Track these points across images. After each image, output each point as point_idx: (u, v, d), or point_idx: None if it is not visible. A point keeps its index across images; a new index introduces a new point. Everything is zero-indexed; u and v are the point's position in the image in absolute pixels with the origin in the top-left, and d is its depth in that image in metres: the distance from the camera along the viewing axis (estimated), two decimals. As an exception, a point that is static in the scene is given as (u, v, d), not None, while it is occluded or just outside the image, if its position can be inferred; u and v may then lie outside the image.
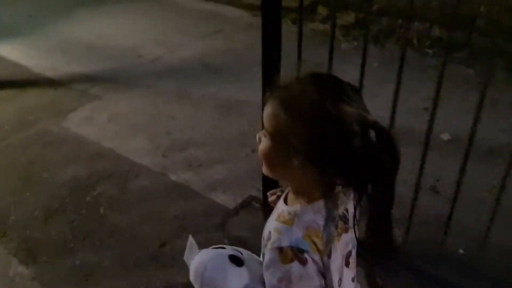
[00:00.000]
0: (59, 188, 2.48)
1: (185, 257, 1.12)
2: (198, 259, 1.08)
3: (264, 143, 0.92)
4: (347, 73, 1.08)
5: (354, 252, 1.00)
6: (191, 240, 1.13)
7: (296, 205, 0.92)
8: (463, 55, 3.91)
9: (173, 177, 2.55)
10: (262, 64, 1.88)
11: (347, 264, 0.99)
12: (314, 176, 0.87)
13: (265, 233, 0.95)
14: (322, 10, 4.61)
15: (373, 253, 1.03)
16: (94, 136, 2.93)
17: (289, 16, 4.82)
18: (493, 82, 3.47)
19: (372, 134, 0.83)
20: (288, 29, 4.68)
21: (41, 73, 3.77)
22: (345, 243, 0.95)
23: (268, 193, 1.16)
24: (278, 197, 1.05)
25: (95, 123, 3.10)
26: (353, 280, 1.03)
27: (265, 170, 0.96)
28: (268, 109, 0.90)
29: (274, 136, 0.89)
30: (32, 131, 3.00)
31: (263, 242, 0.96)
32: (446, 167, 2.28)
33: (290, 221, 0.90)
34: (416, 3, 4.08)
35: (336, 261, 0.92)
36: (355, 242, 0.99)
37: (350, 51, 4.27)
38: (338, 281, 0.95)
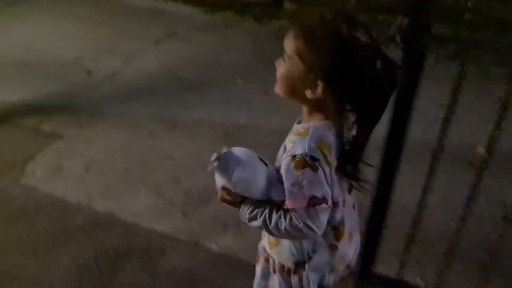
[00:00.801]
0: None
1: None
2: (230, 150, 1.05)
3: (283, 67, 1.00)
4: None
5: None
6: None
7: (310, 122, 1.01)
8: (450, 51, 3.75)
9: (213, 246, 1.97)
10: (394, 108, 1.38)
11: (349, 191, 1.11)
12: (327, 96, 0.96)
13: (280, 151, 1.04)
14: (289, 6, 4.15)
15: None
16: (76, 194, 2.19)
17: (251, 11, 4.31)
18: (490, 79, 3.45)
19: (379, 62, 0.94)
20: (251, 28, 4.27)
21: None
22: None
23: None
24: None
25: (68, 175, 2.33)
26: (353, 207, 1.15)
27: (280, 91, 1.03)
28: (290, 33, 0.98)
29: (293, 58, 0.97)
30: (-19, 198, 2.17)
31: (278, 159, 1.04)
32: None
33: (305, 133, 0.98)
34: None
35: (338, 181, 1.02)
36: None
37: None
38: (342, 202, 1.07)
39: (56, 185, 2.25)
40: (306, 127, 1.00)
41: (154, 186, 2.28)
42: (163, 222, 2.07)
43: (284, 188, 0.99)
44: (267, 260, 1.21)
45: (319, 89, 0.96)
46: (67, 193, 2.20)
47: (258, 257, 1.26)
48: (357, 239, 1.19)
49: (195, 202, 2.19)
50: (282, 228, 1.00)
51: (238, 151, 1.05)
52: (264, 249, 1.21)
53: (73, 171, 2.36)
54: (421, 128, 1.97)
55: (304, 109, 1.05)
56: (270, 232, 1.05)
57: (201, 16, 4.32)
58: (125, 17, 4.15)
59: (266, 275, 1.24)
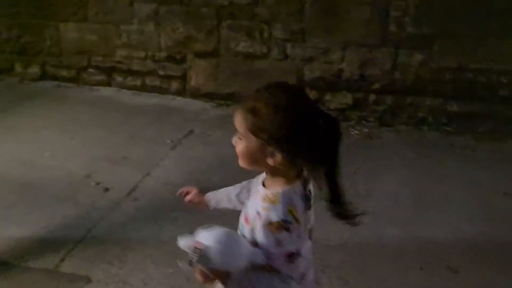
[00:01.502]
0: None
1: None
2: (207, 237, 1.10)
3: (240, 144, 1.14)
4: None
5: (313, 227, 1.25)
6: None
7: (277, 187, 1.14)
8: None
9: None
10: None
11: (310, 237, 1.25)
12: (285, 162, 1.10)
13: (251, 213, 1.17)
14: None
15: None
16: None
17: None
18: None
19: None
20: None
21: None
22: (309, 217, 1.20)
23: (181, 192, 1.45)
24: (188, 193, 1.44)
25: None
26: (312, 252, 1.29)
27: (244, 164, 1.17)
28: (238, 116, 1.13)
29: (248, 136, 1.11)
30: None
31: (250, 220, 1.17)
32: None
33: (276, 201, 1.12)
34: (425, 77, 3.71)
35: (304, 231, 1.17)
36: (313, 218, 1.23)
37: (364, 140, 3.64)
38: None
39: None
40: (276, 193, 1.13)
41: None
42: None
43: (264, 251, 1.12)
44: None
45: (278, 157, 1.10)
46: None
47: None
48: (310, 278, 1.28)
49: None
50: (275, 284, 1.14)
51: (217, 234, 1.12)
52: None
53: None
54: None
55: (268, 174, 1.20)
56: None
57: (214, 111, 4.04)
58: (133, 119, 3.82)
59: None
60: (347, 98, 3.84)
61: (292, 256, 1.14)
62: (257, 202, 1.16)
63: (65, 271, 2.18)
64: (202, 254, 1.07)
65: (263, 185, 1.20)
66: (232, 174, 3.02)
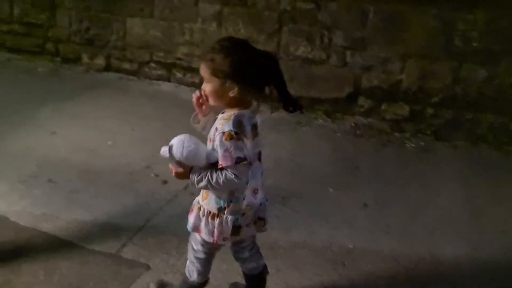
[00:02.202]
0: None
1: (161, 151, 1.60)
2: (176, 138, 1.58)
3: (208, 87, 1.57)
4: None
5: (262, 153, 1.69)
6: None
7: (231, 113, 1.55)
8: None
9: None
10: None
11: (259, 159, 1.68)
12: (240, 91, 1.50)
13: (212, 131, 1.58)
14: (364, 102, 3.92)
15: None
16: None
17: (321, 107, 4.08)
18: None
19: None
20: (323, 125, 4.02)
21: (32, 226, 2.50)
22: (256, 143, 1.61)
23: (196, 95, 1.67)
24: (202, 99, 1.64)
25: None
26: (262, 173, 1.70)
27: (214, 103, 1.60)
28: (202, 67, 1.56)
29: (211, 79, 1.54)
30: None
31: (211, 137, 1.59)
32: None
33: (229, 118, 1.52)
34: (488, 93, 3.62)
35: (251, 149, 1.54)
36: (262, 144, 1.67)
37: (419, 153, 3.60)
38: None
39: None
40: (230, 115, 1.53)
41: None
42: None
43: (218, 155, 1.52)
44: (199, 209, 1.69)
45: (235, 89, 1.50)
46: None
47: (192, 209, 1.74)
48: (261, 195, 1.71)
49: None
50: (221, 182, 1.52)
51: (181, 137, 1.57)
52: (198, 202, 1.71)
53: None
54: None
55: (227, 108, 1.59)
56: (212, 187, 1.55)
57: (267, 113, 4.09)
58: (190, 114, 3.94)
59: (196, 220, 1.69)
60: (403, 110, 3.80)
61: (240, 161, 1.49)
62: (217, 123, 1.57)
63: (126, 257, 2.30)
64: (170, 150, 1.55)
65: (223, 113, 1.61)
66: (285, 175, 3.12)
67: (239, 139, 1.48)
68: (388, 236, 2.53)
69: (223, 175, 1.50)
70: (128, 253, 2.33)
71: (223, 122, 1.51)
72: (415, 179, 3.08)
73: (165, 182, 2.95)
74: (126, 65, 4.81)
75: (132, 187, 2.91)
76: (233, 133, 1.47)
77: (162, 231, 2.50)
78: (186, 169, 1.57)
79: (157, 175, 3.02)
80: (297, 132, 3.84)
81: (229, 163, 1.49)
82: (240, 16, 4.15)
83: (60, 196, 2.77)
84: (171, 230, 2.49)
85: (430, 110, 3.76)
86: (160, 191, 2.87)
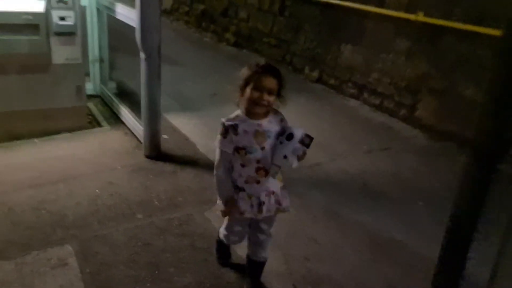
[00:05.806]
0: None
1: None
2: None
3: (272, 98, 2.05)
4: None
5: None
6: None
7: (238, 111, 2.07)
8: None
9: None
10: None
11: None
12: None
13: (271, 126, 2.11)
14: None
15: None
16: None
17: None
18: None
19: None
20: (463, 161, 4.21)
21: (205, 153, 3.86)
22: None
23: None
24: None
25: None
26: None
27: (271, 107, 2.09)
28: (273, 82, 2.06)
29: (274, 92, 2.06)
30: (176, 215, 2.99)
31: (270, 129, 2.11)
32: None
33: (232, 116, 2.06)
34: None
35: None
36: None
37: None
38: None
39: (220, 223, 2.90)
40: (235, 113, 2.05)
41: (286, 256, 2.66)
42: (274, 283, 2.42)
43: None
44: None
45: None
46: (225, 234, 2.81)
47: None
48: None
49: (308, 281, 2.47)
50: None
51: None
52: None
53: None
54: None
55: (243, 107, 2.04)
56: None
57: (424, 141, 4.52)
58: (352, 124, 4.77)
59: None
60: None
61: (232, 152, 2.03)
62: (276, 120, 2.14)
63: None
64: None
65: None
66: (408, 191, 3.59)
67: (225, 135, 2.05)
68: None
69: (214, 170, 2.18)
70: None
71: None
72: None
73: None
74: (332, 80, 5.90)
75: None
76: (223, 127, 2.05)
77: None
78: None
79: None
80: (435, 161, 4.17)
81: (217, 157, 2.12)
82: (426, 53, 4.68)
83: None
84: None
85: None
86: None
